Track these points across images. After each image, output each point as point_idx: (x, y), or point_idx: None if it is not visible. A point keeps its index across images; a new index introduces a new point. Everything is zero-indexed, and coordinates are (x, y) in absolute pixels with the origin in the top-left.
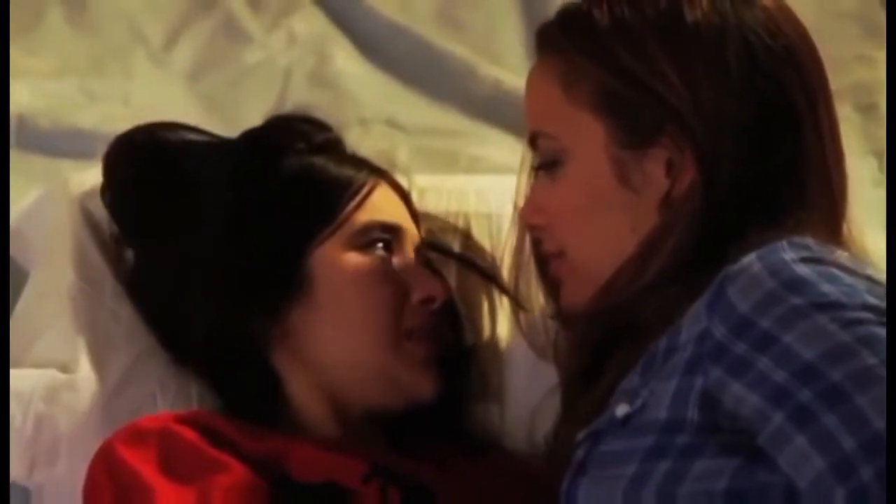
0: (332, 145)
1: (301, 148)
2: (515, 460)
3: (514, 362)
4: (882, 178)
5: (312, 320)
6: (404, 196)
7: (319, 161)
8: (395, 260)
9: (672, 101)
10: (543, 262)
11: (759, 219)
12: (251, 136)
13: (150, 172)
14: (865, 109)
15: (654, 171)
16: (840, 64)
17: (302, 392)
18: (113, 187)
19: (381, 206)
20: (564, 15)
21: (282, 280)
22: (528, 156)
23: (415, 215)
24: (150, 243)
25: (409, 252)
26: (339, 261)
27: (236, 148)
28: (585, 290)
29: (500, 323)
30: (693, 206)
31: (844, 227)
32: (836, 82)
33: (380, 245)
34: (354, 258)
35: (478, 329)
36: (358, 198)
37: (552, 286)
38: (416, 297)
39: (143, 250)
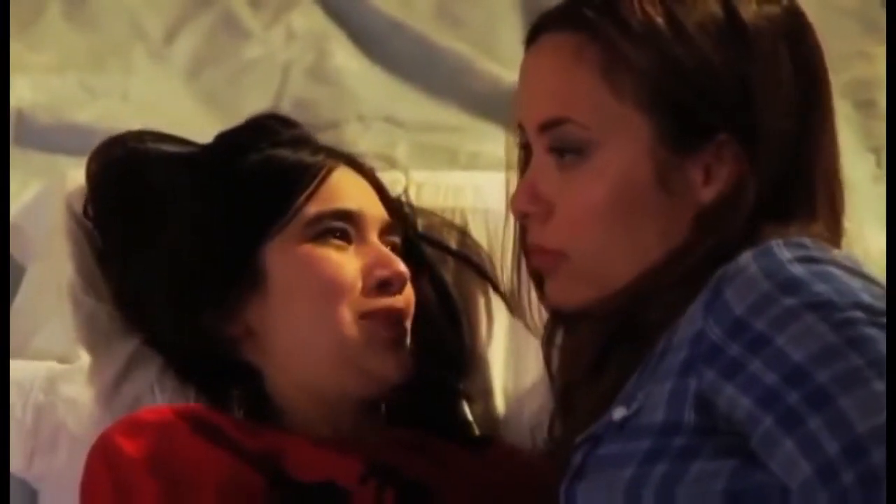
0: (299, 141)
1: (262, 146)
2: (516, 456)
3: (511, 358)
4: (880, 173)
5: (270, 315)
6: (371, 178)
7: (277, 153)
8: (354, 246)
9: (731, 107)
10: (529, 253)
11: (771, 221)
12: (220, 138)
13: (123, 190)
14: (864, 106)
15: (695, 177)
16: (839, 60)
17: (283, 389)
18: (93, 203)
19: (336, 192)
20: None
21: (233, 277)
22: (516, 152)
23: (385, 197)
24: (124, 253)
25: (371, 236)
26: (291, 254)
27: (205, 152)
28: (583, 292)
29: (497, 319)
30: (736, 213)
31: (846, 226)
32: (835, 78)
33: (336, 234)
34: (307, 250)
35: (474, 325)
36: (309, 188)
37: (539, 280)
38: (371, 282)
39: (120, 260)
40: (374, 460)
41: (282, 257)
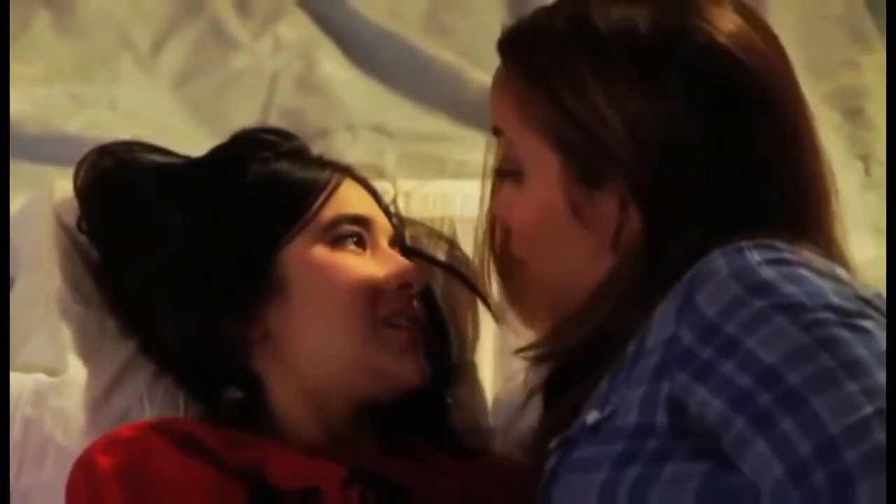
0: (298, 152)
1: (266, 156)
2: (506, 463)
3: (498, 366)
4: (868, 181)
5: (290, 318)
6: (373, 192)
7: (283, 166)
8: (369, 251)
9: (615, 151)
10: (506, 264)
11: (721, 235)
12: (217, 150)
13: (115, 200)
14: (852, 114)
15: (607, 209)
16: (826, 69)
17: (285, 396)
18: (85, 214)
19: (347, 200)
20: (518, 36)
21: (254, 283)
22: (492, 159)
23: (387, 211)
24: (123, 263)
25: (383, 243)
26: (310, 256)
27: (202, 163)
28: (540, 300)
29: (485, 328)
30: (639, 249)
31: (829, 230)
32: (822, 87)
33: (352, 240)
34: (326, 253)
35: (462, 334)
36: (324, 194)
37: (512, 290)
38: (392, 283)
39: (118, 269)
40: (359, 466)
41: (301, 260)
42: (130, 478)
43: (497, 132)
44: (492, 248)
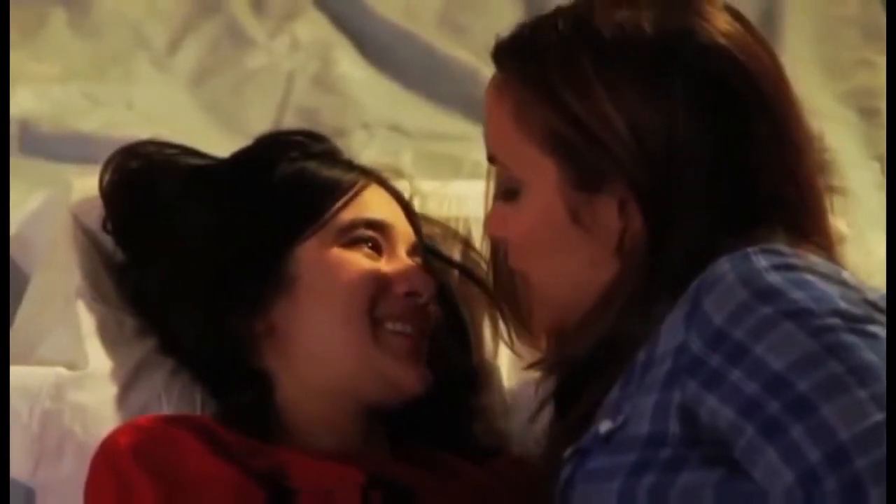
0: (328, 153)
1: (295, 156)
2: (522, 465)
3: (514, 370)
4: (885, 181)
5: (295, 313)
6: (399, 197)
7: (310, 165)
8: (384, 258)
9: (617, 153)
10: (507, 289)
11: (722, 236)
12: (246, 151)
13: (142, 199)
14: (868, 114)
15: (606, 213)
16: (842, 68)
17: (293, 397)
18: (111, 214)
19: (369, 204)
20: (518, 40)
21: (263, 276)
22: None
23: (411, 217)
24: (146, 260)
25: (400, 250)
26: (322, 256)
27: (231, 163)
28: (544, 313)
29: (501, 330)
30: (643, 253)
31: (847, 233)
32: (838, 87)
33: (367, 244)
34: (339, 253)
35: (479, 337)
36: (345, 197)
37: (515, 315)
38: (399, 288)
39: (141, 267)
40: (373, 472)
41: (314, 259)
42: (156, 460)
43: (492, 159)
44: (495, 271)
